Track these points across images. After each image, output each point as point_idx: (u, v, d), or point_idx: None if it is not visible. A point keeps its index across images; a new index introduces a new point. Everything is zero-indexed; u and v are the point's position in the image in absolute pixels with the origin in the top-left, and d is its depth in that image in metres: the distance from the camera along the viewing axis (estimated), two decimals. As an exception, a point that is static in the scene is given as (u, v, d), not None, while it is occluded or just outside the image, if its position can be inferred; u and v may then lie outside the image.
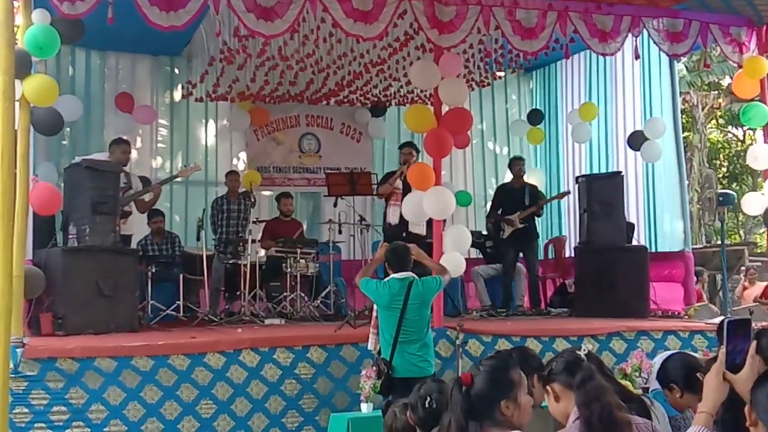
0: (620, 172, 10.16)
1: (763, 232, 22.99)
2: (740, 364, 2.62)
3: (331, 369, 7.04)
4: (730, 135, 23.91)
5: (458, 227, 7.84)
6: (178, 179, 9.96)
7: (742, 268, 15.13)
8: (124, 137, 9.34)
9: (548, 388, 3.23)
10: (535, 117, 12.14)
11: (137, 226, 9.40)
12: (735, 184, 22.71)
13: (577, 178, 10.23)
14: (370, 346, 6.37)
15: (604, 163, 11.29)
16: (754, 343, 2.60)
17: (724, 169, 23.07)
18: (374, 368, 6.06)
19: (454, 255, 7.52)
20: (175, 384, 6.68)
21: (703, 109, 20.47)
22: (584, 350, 3.30)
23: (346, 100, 11.52)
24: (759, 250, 19.11)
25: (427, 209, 7.47)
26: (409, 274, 6.22)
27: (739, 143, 23.54)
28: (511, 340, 7.70)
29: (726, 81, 22.08)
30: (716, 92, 21.38)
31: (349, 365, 7.13)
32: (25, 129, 6.58)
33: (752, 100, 8.64)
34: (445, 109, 7.83)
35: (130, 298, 7.88)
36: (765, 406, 2.34)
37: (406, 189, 8.57)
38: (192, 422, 6.70)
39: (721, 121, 22.83)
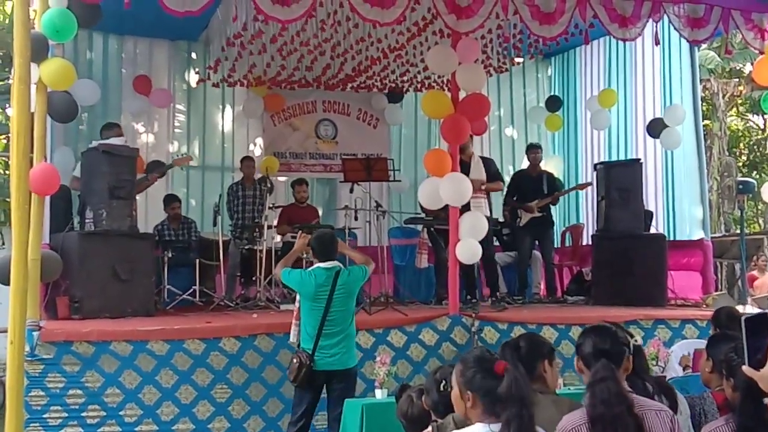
0: (639, 159, 10.07)
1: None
2: (762, 359, 2.58)
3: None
4: (750, 123, 23.66)
5: (474, 214, 7.77)
6: (194, 163, 9.96)
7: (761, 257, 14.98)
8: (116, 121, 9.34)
9: (578, 357, 3.34)
10: (553, 103, 12.07)
11: (152, 210, 9.41)
12: (755, 172, 22.48)
13: (596, 165, 10.15)
14: (292, 338, 6.21)
15: (623, 150, 11.20)
16: None
17: (744, 158, 22.84)
18: (295, 361, 5.89)
19: (470, 242, 7.48)
20: (191, 368, 6.70)
21: (723, 96, 20.25)
22: (633, 340, 3.35)
23: (363, 85, 11.47)
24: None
25: (443, 195, 7.43)
26: (336, 263, 6.05)
27: (760, 132, 23.30)
28: (527, 328, 7.66)
29: (747, 68, 21.85)
30: (737, 80, 21.13)
31: (364, 352, 7.13)
32: (41, 113, 6.57)
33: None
34: (462, 95, 7.77)
35: (147, 283, 7.89)
36: None
37: (466, 171, 8.41)
38: (207, 406, 6.72)
39: (741, 108, 22.59)
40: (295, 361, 5.93)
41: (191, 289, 9.05)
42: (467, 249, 7.43)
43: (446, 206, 7.70)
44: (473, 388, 3.09)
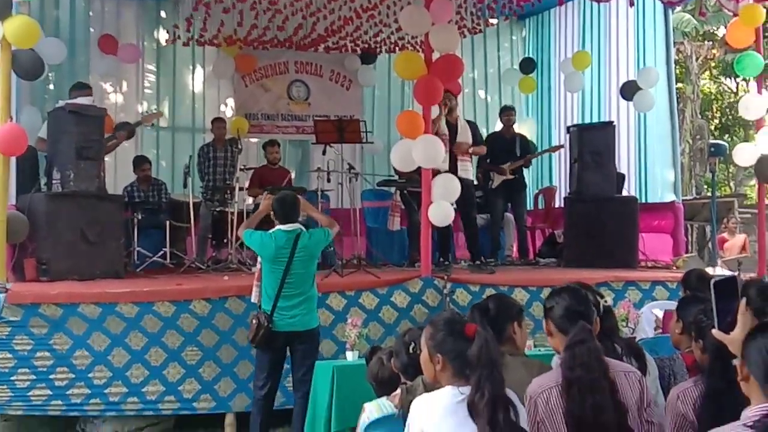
0: (612, 122, 10.06)
1: (754, 185, 22.99)
2: (731, 322, 2.57)
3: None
4: (723, 86, 23.75)
5: (447, 176, 7.70)
6: (164, 123, 9.81)
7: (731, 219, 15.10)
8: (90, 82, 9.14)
9: (545, 319, 3.27)
10: (527, 66, 12.00)
11: (121, 172, 9.29)
12: (726, 136, 22.61)
13: (569, 127, 10.13)
14: (254, 298, 6.18)
15: (596, 113, 11.18)
16: (743, 301, 2.55)
17: (716, 121, 22.96)
18: (254, 321, 5.87)
19: (443, 204, 7.44)
20: (161, 331, 6.65)
21: (697, 59, 20.28)
22: (603, 301, 3.32)
23: (335, 46, 11.36)
24: (748, 202, 19.13)
25: (416, 157, 7.37)
26: (297, 225, 6.00)
27: (732, 95, 23.39)
28: (499, 290, 7.65)
29: (721, 31, 21.87)
30: (711, 43, 21.16)
31: (336, 314, 7.11)
32: (6, 71, 6.43)
33: (746, 49, 8.51)
34: (435, 56, 7.68)
35: (116, 245, 7.79)
36: (756, 361, 2.30)
37: (453, 134, 8.47)
38: (177, 369, 6.68)
39: (714, 72, 22.65)
40: (254, 321, 5.91)
41: (161, 252, 8.97)
42: (440, 211, 7.39)
43: (419, 168, 7.67)
44: (443, 350, 3.08)
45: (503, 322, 3.64)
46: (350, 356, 5.64)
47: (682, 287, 5.41)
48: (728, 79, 22.95)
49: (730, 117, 23.35)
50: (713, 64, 21.95)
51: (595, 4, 10.91)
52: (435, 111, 7.79)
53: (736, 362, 3.09)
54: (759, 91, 8.54)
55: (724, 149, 9.46)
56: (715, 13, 20.27)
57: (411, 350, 3.66)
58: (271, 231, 5.99)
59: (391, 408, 3.62)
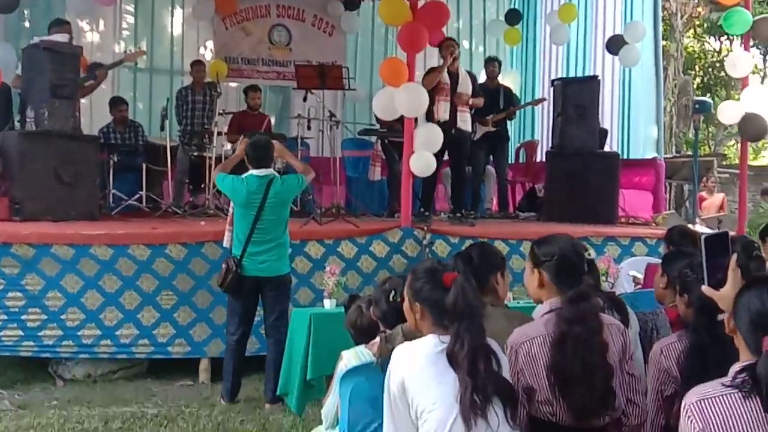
0: (597, 76, 9.95)
1: (733, 145, 23.07)
2: (721, 279, 2.51)
3: (295, 265, 6.93)
4: (707, 45, 23.66)
5: (430, 125, 7.60)
6: (142, 64, 9.58)
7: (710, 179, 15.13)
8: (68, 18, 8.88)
9: (536, 270, 3.12)
10: (512, 17, 11.85)
11: (96, 114, 9.09)
12: (708, 95, 22.56)
13: (553, 81, 10.02)
14: (226, 242, 6.10)
15: (581, 67, 11.09)
16: (733, 257, 2.49)
17: (699, 80, 22.90)
18: (223, 266, 5.82)
19: (425, 154, 7.34)
20: (135, 274, 6.59)
21: (681, 17, 20.13)
22: (588, 255, 3.23)
23: (319, -10, 11.16)
24: (728, 162, 19.16)
25: (398, 106, 7.25)
26: (270, 171, 5.89)
27: (716, 54, 23.33)
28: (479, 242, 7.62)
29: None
30: (696, 0, 21.02)
31: (314, 262, 7.04)
32: (-22, 3, 6.24)
33: (734, 6, 8.41)
34: (421, 2, 7.53)
35: (91, 186, 7.67)
36: (744, 318, 2.25)
37: (454, 83, 8.34)
38: (152, 313, 6.65)
39: (699, 30, 22.54)
40: (223, 266, 5.85)
41: (137, 195, 8.85)
42: (421, 161, 7.30)
43: (401, 117, 7.56)
44: (421, 299, 3.00)
45: (486, 272, 3.57)
46: (328, 304, 5.57)
47: (665, 243, 5.38)
48: (712, 38, 22.85)
49: (712, 76, 23.30)
50: (698, 23, 21.82)
51: (583, -45, 10.79)
52: (420, 59, 7.65)
53: (721, 317, 3.06)
54: (746, 48, 8.46)
55: (708, 106, 9.41)
56: (702, -29, 20.18)
57: (391, 298, 3.59)
58: (243, 175, 5.88)
59: (370, 356, 3.56)
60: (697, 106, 8.83)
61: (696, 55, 22.82)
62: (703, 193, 13.88)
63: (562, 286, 3.01)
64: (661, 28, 10.55)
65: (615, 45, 9.91)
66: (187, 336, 6.72)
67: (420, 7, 7.38)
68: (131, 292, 6.55)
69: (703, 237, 2.59)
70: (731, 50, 23.26)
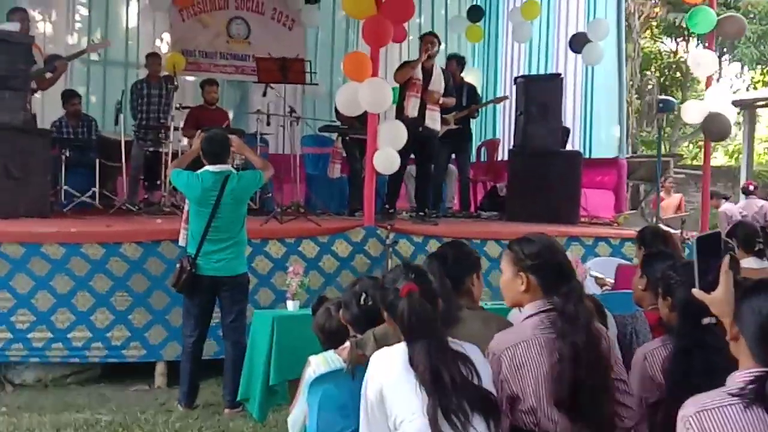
0: (560, 74, 9.90)
1: (688, 146, 23.29)
2: (713, 281, 2.39)
3: (255, 264, 6.74)
4: (663, 46, 23.84)
5: (394, 122, 7.44)
6: (95, 57, 9.28)
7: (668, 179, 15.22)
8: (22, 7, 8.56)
9: (522, 273, 2.89)
10: (474, 14, 11.75)
11: (48, 107, 8.79)
12: (664, 95, 22.74)
13: (516, 78, 9.95)
14: (181, 241, 5.93)
15: (543, 65, 11.03)
16: (726, 259, 2.36)
17: (655, 81, 23.03)
18: (177, 265, 5.63)
19: (389, 151, 7.18)
20: (89, 274, 6.36)
21: (639, 17, 20.26)
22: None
23: (278, -18, 10.94)
24: (683, 163, 19.29)
25: (362, 101, 7.07)
26: (226, 167, 5.67)
27: (672, 55, 23.52)
28: (442, 242, 7.45)
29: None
30: (653, 1, 21.18)
31: (275, 261, 6.86)
32: None
33: (699, 4, 8.39)
34: (385, -5, 7.36)
35: (42, 182, 7.42)
36: (748, 322, 2.12)
37: (427, 80, 8.15)
38: (106, 314, 6.42)
39: (655, 31, 22.70)
40: (177, 265, 5.65)
41: (90, 191, 8.58)
42: (385, 158, 7.14)
43: (362, 114, 7.40)
44: (387, 308, 2.88)
45: (462, 272, 3.41)
46: (291, 306, 5.38)
47: (636, 243, 5.28)
48: (668, 38, 23.04)
49: (669, 77, 23.48)
50: (655, 23, 21.98)
51: (546, -48, 10.72)
52: (382, 54, 7.47)
53: (706, 321, 2.95)
54: (710, 48, 8.43)
55: (672, 105, 9.36)
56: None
57: (362, 301, 3.43)
58: (199, 171, 5.66)
59: (339, 362, 3.39)
60: (661, 105, 8.78)
61: (652, 56, 22.98)
62: (662, 194, 13.93)
63: (550, 289, 2.85)
64: (624, 27, 10.50)
65: (578, 43, 9.84)
66: (143, 339, 6.50)
67: (384, 1, 7.21)
68: (84, 293, 6.32)
69: (695, 238, 2.47)
70: (687, 51, 23.53)
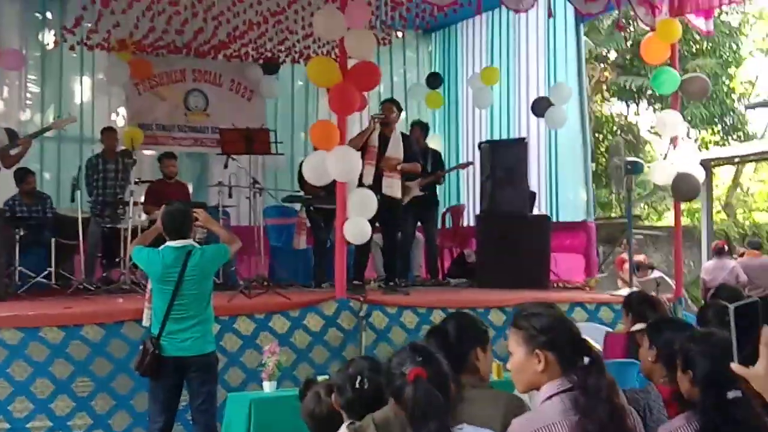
0: (524, 138, 9.88)
1: (644, 207, 23.45)
2: (753, 354, 2.19)
3: (224, 342, 6.44)
4: (613, 109, 24.18)
5: (363, 191, 7.25)
6: (50, 133, 8.99)
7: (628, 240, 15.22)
8: None
9: (538, 351, 2.61)
10: (433, 81, 11.71)
11: (6, 184, 8.47)
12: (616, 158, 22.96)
13: (480, 143, 9.88)
14: (145, 321, 5.62)
15: (505, 129, 10.97)
16: (765, 330, 2.16)
17: (607, 143, 23.28)
18: (140, 346, 5.35)
19: (359, 221, 6.98)
20: (48, 359, 6.00)
21: (590, 81, 20.56)
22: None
23: (236, 54, 10.79)
24: (644, 223, 19.36)
25: (330, 170, 6.89)
26: (188, 242, 5.40)
27: (623, 118, 23.84)
28: (417, 312, 7.31)
29: (612, 54, 22.30)
30: (602, 65, 21.53)
31: (244, 339, 6.56)
32: None
33: (662, 65, 8.42)
34: (351, 63, 7.25)
35: (-4, 264, 7.05)
36: None
37: (383, 147, 7.96)
38: (66, 401, 6.06)
39: (606, 94, 23.03)
40: (141, 347, 5.35)
41: (46, 271, 8.21)
42: (356, 228, 6.94)
43: (327, 185, 7.22)
44: (392, 395, 2.66)
45: (465, 347, 3.17)
46: (267, 387, 5.10)
47: (624, 310, 5.12)
48: (619, 101, 23.39)
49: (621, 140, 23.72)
50: (605, 87, 22.31)
51: (503, 18, 10.74)
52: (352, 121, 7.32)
53: (731, 394, 2.75)
54: (675, 108, 8.43)
55: (641, 167, 9.36)
56: (608, 36, 20.70)
57: (358, 384, 3.17)
58: (160, 248, 5.39)
59: (334, 452, 3.13)
60: (629, 166, 8.76)
61: (603, 120, 23.26)
62: (624, 255, 13.90)
63: (567, 365, 2.62)
64: (585, 89, 10.52)
65: (540, 107, 9.82)
66: (106, 426, 6.13)
67: (351, 68, 7.09)
68: (43, 379, 5.94)
69: (733, 306, 2.27)
70: (638, 114, 23.87)
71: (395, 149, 8.11)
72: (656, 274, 11.01)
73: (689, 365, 2.99)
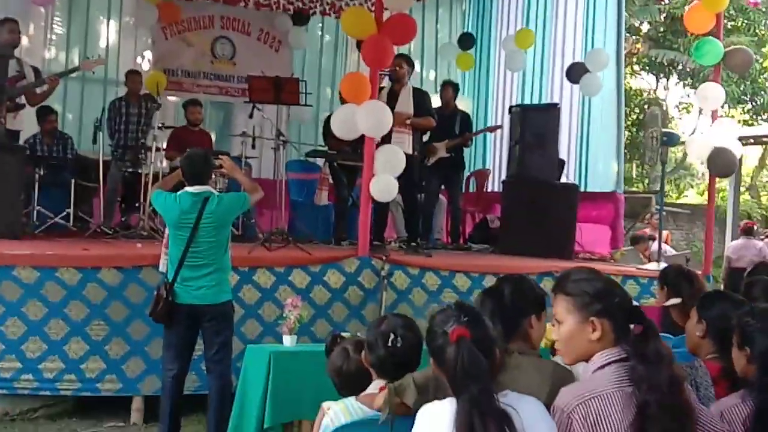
0: (557, 104, 9.64)
1: (669, 182, 23.17)
2: None
3: (242, 294, 6.31)
4: (643, 82, 23.83)
5: (391, 147, 7.04)
6: (75, 73, 8.81)
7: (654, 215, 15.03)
8: (11, 17, 8.09)
9: (596, 320, 2.47)
10: (466, 41, 11.45)
11: (29, 122, 8.33)
12: (641, 132, 22.65)
13: (511, 107, 9.61)
14: (161, 267, 5.55)
15: (537, 94, 10.72)
16: None
17: (634, 117, 22.96)
18: (155, 292, 5.24)
19: (386, 177, 6.80)
20: (63, 300, 5.91)
21: (621, 53, 20.21)
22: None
23: (266, 3, 10.59)
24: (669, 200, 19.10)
25: (360, 125, 6.70)
26: (206, 188, 5.25)
27: (652, 92, 23.50)
28: (439, 274, 7.15)
29: (644, 27, 21.91)
30: (635, 37, 21.14)
31: (263, 291, 6.43)
32: None
33: (706, 35, 8.13)
34: (386, 15, 7.02)
35: (14, 202, 6.96)
36: None
37: (392, 103, 7.60)
38: (80, 344, 5.97)
39: (636, 67, 22.67)
40: (155, 293, 5.23)
41: (65, 212, 8.11)
42: (382, 185, 6.75)
43: (352, 140, 7.01)
44: (432, 354, 2.49)
45: (519, 314, 2.99)
46: (288, 341, 4.94)
47: (659, 284, 4.93)
48: (649, 75, 23.03)
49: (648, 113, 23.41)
50: (635, 60, 21.95)
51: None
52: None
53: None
54: (716, 80, 8.16)
55: (677, 138, 9.12)
56: (642, 8, 20.29)
57: (390, 342, 3.02)
58: (178, 193, 5.25)
59: (362, 411, 2.98)
60: (665, 138, 8.50)
61: (633, 92, 22.91)
62: (647, 230, 13.73)
63: (621, 333, 2.46)
64: (623, 56, 10.22)
65: (576, 73, 9.56)
66: (119, 371, 6.04)
67: (386, 20, 6.87)
68: (58, 320, 5.86)
69: None
70: (668, 88, 23.51)
71: (405, 104, 7.82)
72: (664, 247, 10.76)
73: (747, 342, 2.82)
